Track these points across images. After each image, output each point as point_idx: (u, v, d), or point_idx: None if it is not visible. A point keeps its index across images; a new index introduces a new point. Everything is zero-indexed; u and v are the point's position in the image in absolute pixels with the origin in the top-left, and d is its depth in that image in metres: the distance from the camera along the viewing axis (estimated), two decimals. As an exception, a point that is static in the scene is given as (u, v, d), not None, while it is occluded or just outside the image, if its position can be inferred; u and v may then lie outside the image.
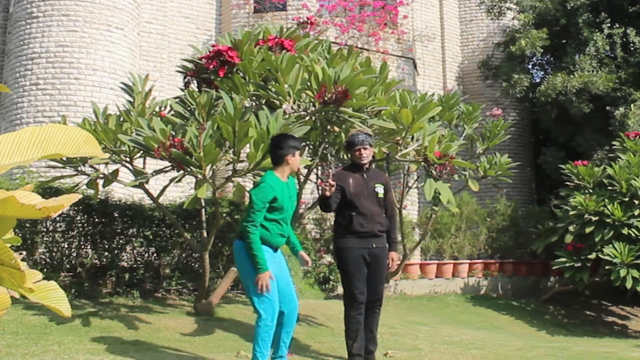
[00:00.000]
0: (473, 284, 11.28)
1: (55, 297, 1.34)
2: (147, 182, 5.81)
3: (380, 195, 4.90)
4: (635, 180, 9.80)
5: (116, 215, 7.02)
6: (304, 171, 6.54)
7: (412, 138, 5.85)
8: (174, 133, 5.07)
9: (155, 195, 6.14)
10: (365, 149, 4.84)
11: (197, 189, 5.16)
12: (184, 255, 7.42)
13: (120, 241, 7.09)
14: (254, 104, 5.78)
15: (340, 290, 7.93)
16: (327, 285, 9.40)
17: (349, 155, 5.06)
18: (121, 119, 5.73)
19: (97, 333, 5.42)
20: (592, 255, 9.85)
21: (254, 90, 5.51)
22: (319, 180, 8.18)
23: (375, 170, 5.19)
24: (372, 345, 4.93)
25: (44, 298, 1.32)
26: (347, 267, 4.77)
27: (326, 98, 5.07)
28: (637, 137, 10.78)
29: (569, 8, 12.99)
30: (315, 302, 8.22)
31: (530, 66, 15.10)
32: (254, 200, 4.24)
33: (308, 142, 6.32)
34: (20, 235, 6.39)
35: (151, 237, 7.03)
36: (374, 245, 4.83)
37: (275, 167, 4.44)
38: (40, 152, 1.10)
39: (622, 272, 9.35)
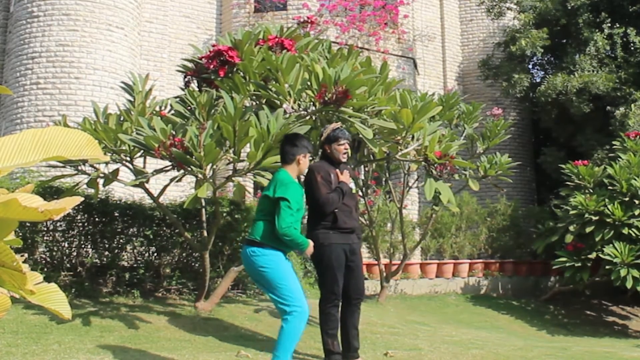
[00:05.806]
0: (473, 284, 11.28)
1: (55, 300, 1.34)
2: (147, 182, 5.81)
3: (354, 190, 4.97)
4: (635, 180, 9.79)
5: (116, 214, 7.01)
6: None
7: (413, 138, 5.85)
8: (174, 132, 5.07)
9: (155, 195, 6.14)
10: (348, 144, 4.85)
11: (198, 189, 5.15)
12: (184, 254, 7.41)
13: (121, 240, 7.09)
14: (254, 103, 5.78)
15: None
16: (327, 285, 9.38)
17: (327, 150, 4.87)
18: (121, 119, 5.73)
19: (97, 332, 5.42)
20: (593, 255, 9.85)
21: (254, 90, 5.51)
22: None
23: (344, 165, 5.04)
24: (356, 342, 4.96)
25: (44, 300, 1.32)
26: (331, 263, 4.71)
27: (326, 98, 5.07)
28: (638, 136, 10.78)
29: (569, 8, 12.98)
30: (315, 301, 8.20)
31: (530, 66, 15.11)
32: (290, 200, 3.94)
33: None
34: (20, 234, 6.39)
35: (151, 236, 7.03)
36: (353, 241, 4.86)
37: (284, 166, 4.22)
38: (42, 155, 1.10)
39: (623, 272, 9.35)
